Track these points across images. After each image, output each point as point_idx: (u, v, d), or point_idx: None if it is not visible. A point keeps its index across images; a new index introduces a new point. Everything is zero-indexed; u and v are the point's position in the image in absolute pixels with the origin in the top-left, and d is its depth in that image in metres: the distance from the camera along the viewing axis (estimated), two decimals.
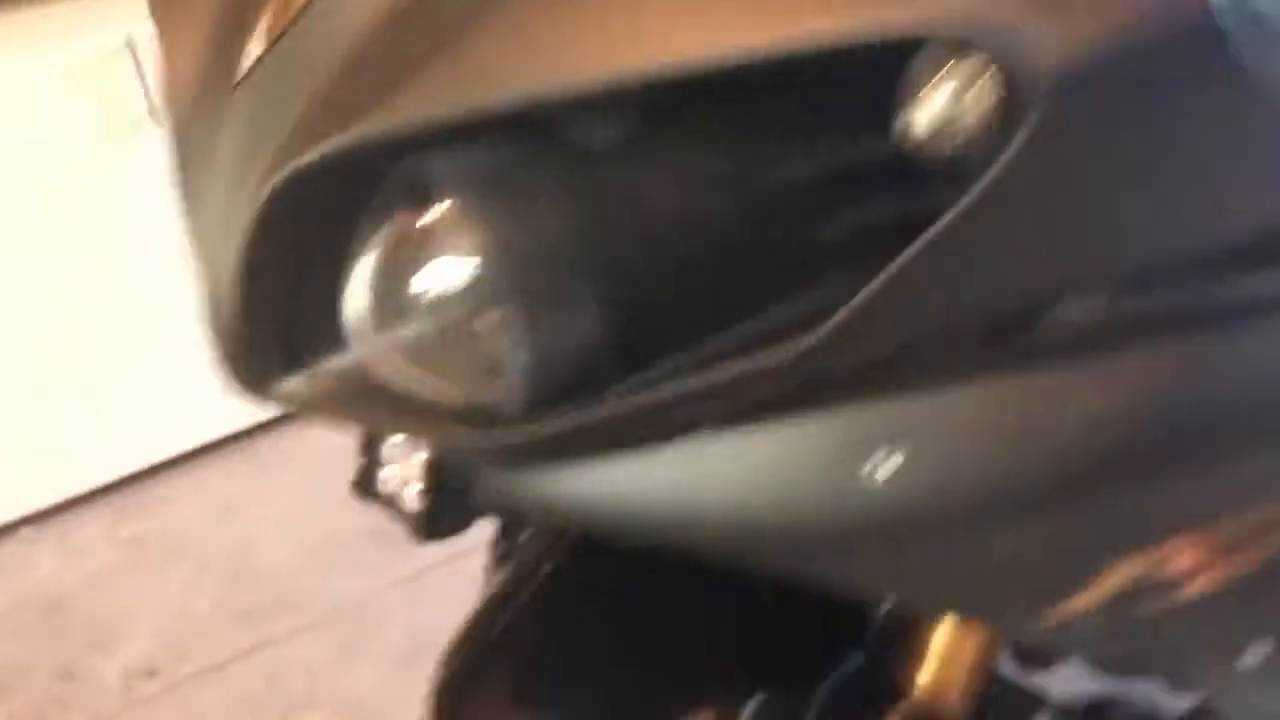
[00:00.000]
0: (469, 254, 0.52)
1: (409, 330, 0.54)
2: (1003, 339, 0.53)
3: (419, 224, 0.53)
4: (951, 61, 0.42)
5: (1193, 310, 0.54)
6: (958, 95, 0.42)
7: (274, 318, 0.59)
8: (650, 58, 0.45)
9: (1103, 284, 0.51)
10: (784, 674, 0.80)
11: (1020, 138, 0.41)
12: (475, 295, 0.52)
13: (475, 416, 0.56)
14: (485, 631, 0.81)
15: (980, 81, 0.41)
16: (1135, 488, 0.57)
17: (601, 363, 0.52)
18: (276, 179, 0.52)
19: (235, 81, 0.58)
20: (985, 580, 0.61)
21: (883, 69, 0.44)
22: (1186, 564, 0.62)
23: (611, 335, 0.51)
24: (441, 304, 0.53)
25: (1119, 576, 0.62)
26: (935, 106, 0.42)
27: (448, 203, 0.52)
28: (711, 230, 0.52)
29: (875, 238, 0.51)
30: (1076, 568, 0.61)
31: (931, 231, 0.44)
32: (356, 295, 0.55)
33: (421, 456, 1.00)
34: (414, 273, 0.53)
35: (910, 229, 0.46)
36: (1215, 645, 0.71)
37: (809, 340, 0.47)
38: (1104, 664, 0.79)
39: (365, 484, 1.02)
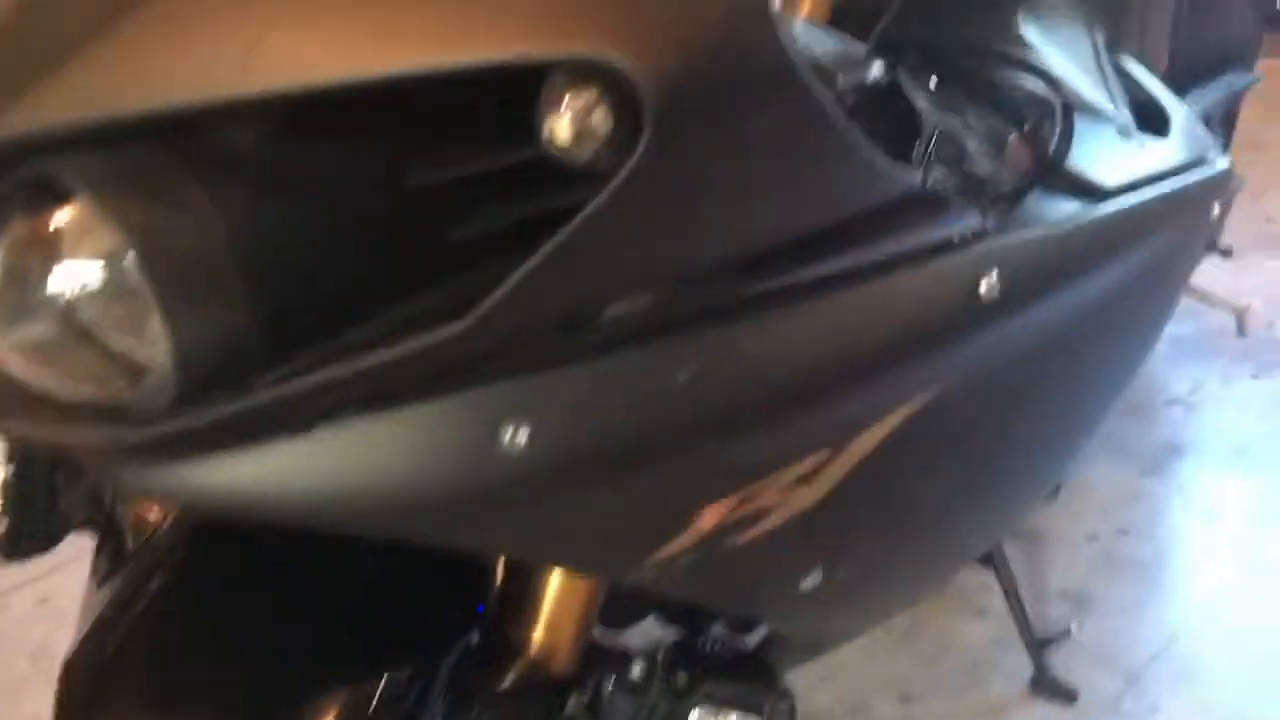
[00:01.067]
0: (100, 253, 0.52)
1: (41, 330, 0.53)
2: (580, 327, 0.61)
3: (49, 224, 0.52)
4: (577, 84, 0.48)
5: (732, 303, 0.64)
6: (584, 115, 0.48)
7: None
8: (281, 78, 0.47)
9: (678, 279, 0.60)
10: (410, 650, 0.84)
11: (636, 154, 0.48)
12: (108, 294, 0.52)
13: (115, 414, 0.56)
14: (102, 646, 0.79)
15: (599, 105, 0.48)
16: (707, 448, 0.67)
17: (245, 355, 0.54)
18: None
19: None
20: (597, 534, 0.70)
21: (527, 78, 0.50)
22: (758, 505, 0.74)
23: (253, 328, 0.53)
24: (76, 304, 0.53)
25: (706, 520, 0.72)
26: (566, 123, 0.49)
27: (77, 202, 0.52)
28: (354, 224, 0.55)
29: (506, 233, 0.57)
30: (672, 516, 0.70)
31: (564, 232, 0.51)
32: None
33: (1, 475, 0.95)
34: (45, 273, 0.52)
35: (539, 225, 0.53)
36: (781, 572, 0.83)
37: (458, 326, 0.52)
38: (692, 600, 0.89)
39: None
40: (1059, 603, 1.79)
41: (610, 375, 0.62)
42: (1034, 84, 0.91)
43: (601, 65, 0.47)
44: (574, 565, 0.75)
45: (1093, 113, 0.93)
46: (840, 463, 0.75)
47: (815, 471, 0.74)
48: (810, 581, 0.86)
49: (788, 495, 0.75)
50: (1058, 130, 0.87)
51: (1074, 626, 1.67)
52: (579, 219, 0.50)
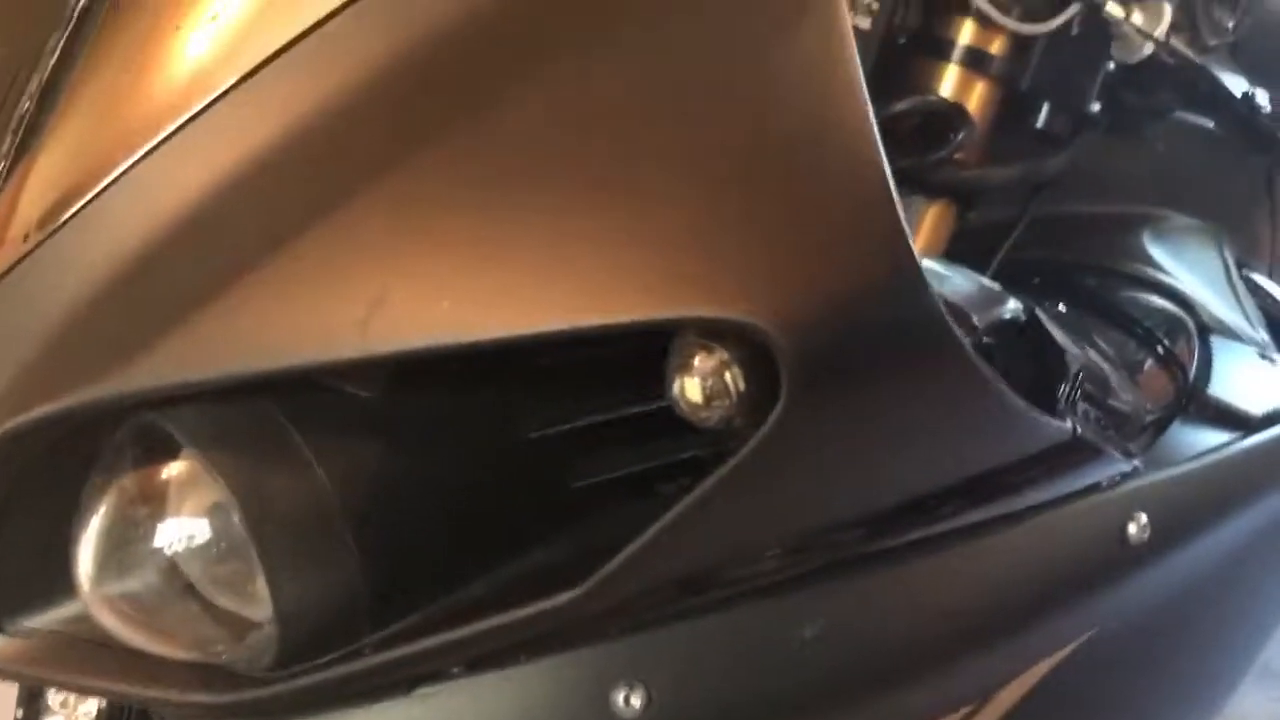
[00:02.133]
0: (205, 509, 0.50)
1: (143, 585, 0.51)
2: (708, 582, 0.57)
3: (155, 478, 0.51)
4: (709, 343, 0.46)
5: (862, 554, 0.60)
6: (716, 374, 0.46)
7: None
8: (404, 340, 0.46)
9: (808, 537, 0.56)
10: None
11: (773, 417, 0.46)
12: (212, 551, 0.50)
13: (211, 674, 0.53)
14: None
15: (732, 365, 0.46)
16: (836, 709, 0.61)
17: (352, 615, 0.51)
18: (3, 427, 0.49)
19: None
20: None
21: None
22: None
23: (363, 589, 0.51)
24: (179, 560, 0.51)
25: None
26: (697, 383, 0.46)
27: (183, 458, 0.50)
28: (468, 478, 0.53)
29: (629, 481, 0.55)
30: None
31: (689, 497, 0.48)
32: (89, 550, 0.51)
33: (90, 708, 0.93)
34: (150, 526, 0.51)
35: (663, 472, 0.50)
36: None
37: (572, 594, 0.49)
38: None
39: None
40: None
41: (730, 632, 0.57)
42: (1165, 305, 0.88)
43: (736, 326, 0.44)
44: None
45: (1230, 334, 0.89)
46: (983, 718, 0.69)
47: None
48: None
49: None
50: (1195, 354, 0.82)
51: None
52: (708, 483, 0.47)
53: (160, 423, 0.49)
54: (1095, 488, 0.65)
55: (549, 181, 0.46)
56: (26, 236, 0.53)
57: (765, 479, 0.48)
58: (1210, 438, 0.76)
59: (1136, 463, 0.65)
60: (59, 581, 0.56)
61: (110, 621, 0.52)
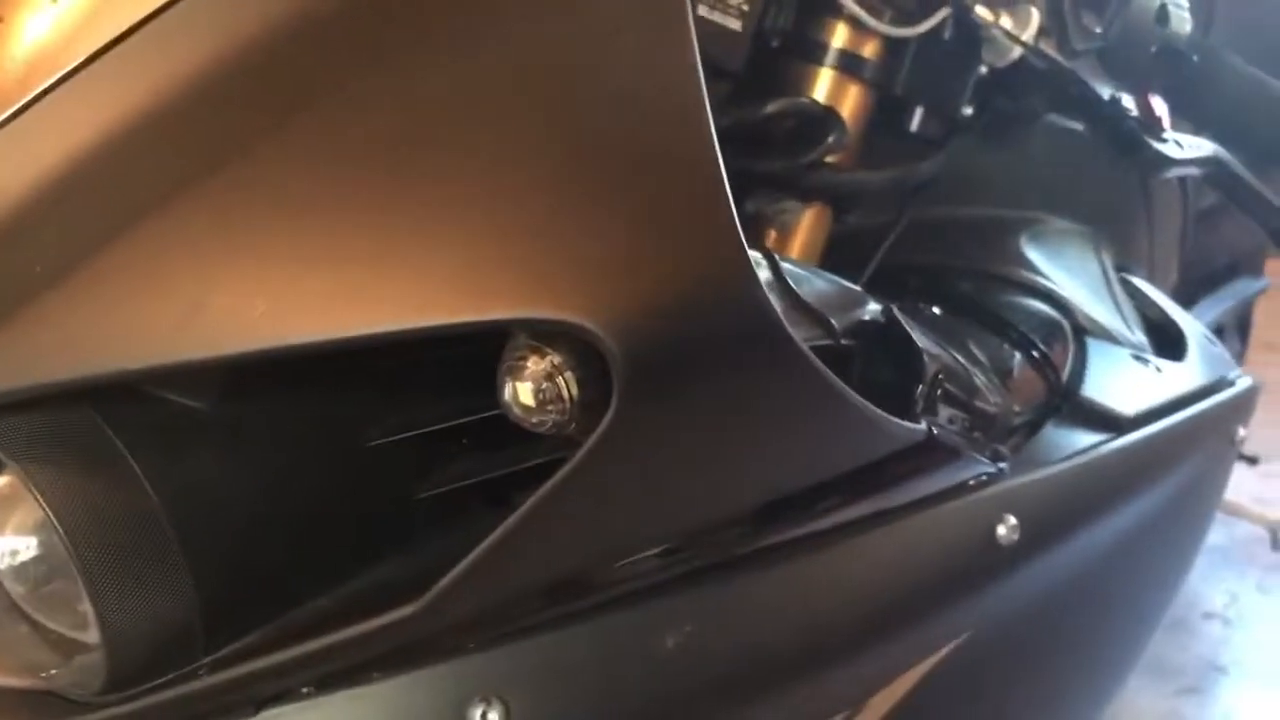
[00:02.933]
0: (25, 528, 0.48)
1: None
2: (568, 592, 0.56)
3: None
4: (540, 347, 0.45)
5: (725, 558, 0.59)
6: (547, 378, 0.45)
7: None
8: (221, 344, 0.44)
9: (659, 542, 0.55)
10: None
11: (605, 421, 0.45)
12: (34, 571, 0.48)
13: (41, 699, 0.51)
14: None
15: (565, 369, 0.45)
16: (704, 718, 0.60)
17: (187, 636, 0.49)
18: None
19: None
20: None
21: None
22: None
23: (196, 608, 0.49)
24: (7, 580, 0.48)
25: None
26: (529, 388, 0.45)
27: (4, 473, 0.48)
28: (306, 490, 0.51)
29: (463, 499, 0.53)
30: None
31: (527, 505, 0.46)
32: None
33: None
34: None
35: (508, 481, 0.48)
36: None
37: (409, 609, 0.47)
38: None
39: None
40: None
41: (590, 642, 0.56)
42: (1041, 307, 0.88)
43: (565, 327, 0.43)
44: None
45: (1105, 336, 0.90)
46: None
47: None
48: None
49: None
50: (1070, 356, 0.83)
51: None
52: (542, 492, 0.45)
53: None
54: (962, 488, 0.65)
55: (373, 184, 0.45)
56: None
57: (603, 484, 0.47)
58: (1083, 439, 0.76)
59: (1002, 464, 0.65)
60: None
61: None
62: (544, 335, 0.45)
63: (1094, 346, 0.86)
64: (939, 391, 0.60)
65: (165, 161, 0.46)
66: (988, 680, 0.74)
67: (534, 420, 0.45)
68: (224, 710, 0.52)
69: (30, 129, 0.47)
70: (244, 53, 0.47)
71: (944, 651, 0.69)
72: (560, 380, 0.44)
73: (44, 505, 0.46)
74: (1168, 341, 0.97)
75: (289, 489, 0.51)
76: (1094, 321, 0.90)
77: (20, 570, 0.48)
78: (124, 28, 0.49)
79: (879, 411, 0.53)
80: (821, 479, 0.55)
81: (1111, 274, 0.98)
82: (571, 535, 0.48)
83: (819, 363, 0.48)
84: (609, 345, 0.43)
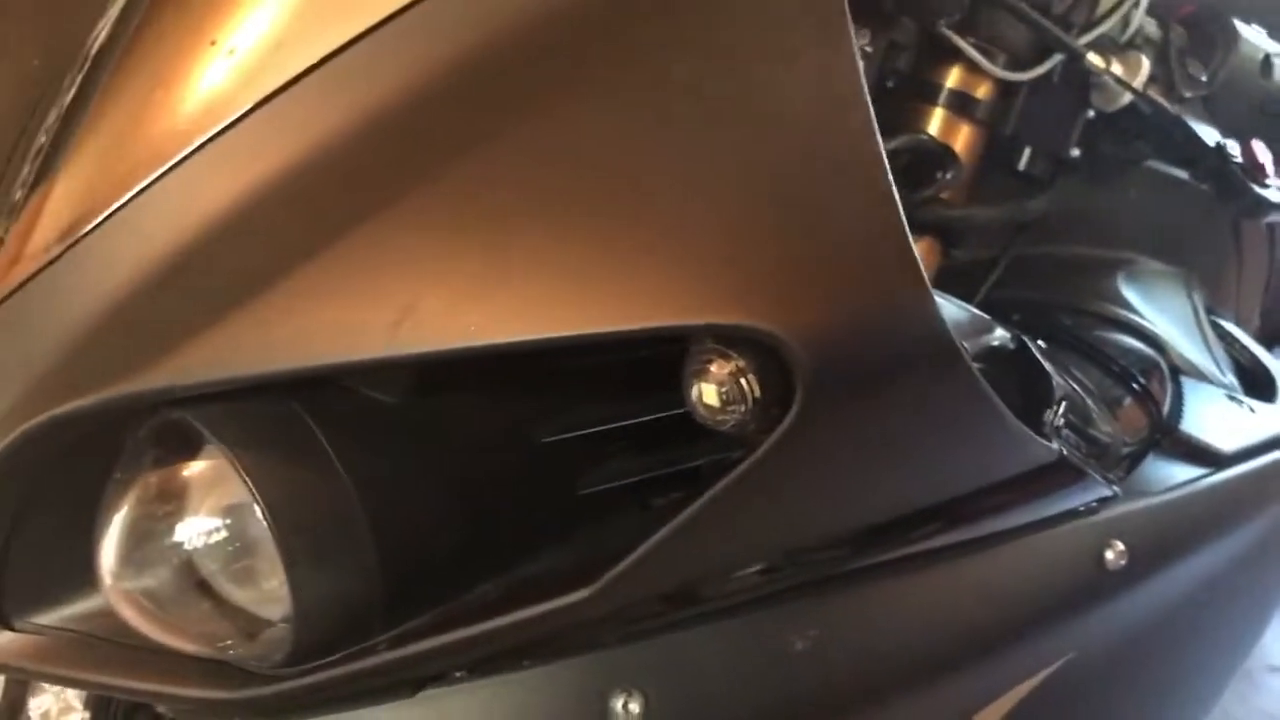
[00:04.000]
0: (227, 507, 0.51)
1: (161, 580, 0.52)
2: (707, 593, 0.58)
3: (179, 474, 0.52)
4: (726, 351, 0.48)
5: (854, 568, 0.62)
6: (732, 381, 0.48)
7: None
8: (432, 343, 0.47)
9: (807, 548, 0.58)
10: None
11: (786, 422, 0.48)
12: (232, 548, 0.52)
13: (222, 671, 0.54)
14: None
15: (748, 372, 0.48)
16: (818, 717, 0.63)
17: (367, 616, 0.53)
18: (28, 425, 0.50)
19: None
20: None
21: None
22: None
23: (378, 589, 0.52)
24: (199, 556, 0.52)
25: None
26: (714, 389, 0.48)
27: (208, 455, 0.52)
28: (480, 482, 0.54)
29: (620, 499, 0.56)
30: None
31: (698, 503, 0.49)
32: (111, 544, 0.52)
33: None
34: (171, 522, 0.52)
35: (669, 480, 0.51)
36: None
37: (580, 595, 0.50)
38: None
39: None
40: None
41: (725, 642, 0.59)
42: (1138, 345, 0.91)
43: (753, 333, 0.46)
44: None
45: (1199, 375, 0.92)
46: None
47: None
48: None
49: None
50: (1169, 392, 0.85)
51: None
52: (720, 485, 0.49)
53: (187, 420, 0.51)
54: (1075, 513, 0.67)
55: (578, 197, 0.48)
56: (48, 249, 0.55)
57: (774, 485, 0.50)
58: (1183, 472, 0.78)
59: (1116, 489, 0.68)
60: (71, 580, 0.58)
61: (129, 615, 0.53)
62: (730, 340, 0.48)
63: (1189, 385, 0.89)
64: (1063, 418, 0.62)
65: (379, 173, 0.49)
66: (1088, 702, 0.76)
67: (717, 419, 0.48)
68: (388, 689, 0.56)
69: (252, 136, 0.51)
70: (439, 75, 0.51)
71: (1048, 671, 0.71)
72: (744, 382, 0.48)
73: (250, 486, 0.49)
74: (1257, 384, 0.99)
75: (466, 480, 0.54)
76: (1187, 361, 0.93)
77: (217, 547, 0.52)
78: (341, 41, 0.52)
79: (1026, 429, 0.56)
80: (959, 493, 0.58)
81: (1203, 315, 1.00)
82: (742, 530, 0.51)
83: (982, 379, 0.51)
84: (795, 350, 0.46)
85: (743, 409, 0.48)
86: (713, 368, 0.48)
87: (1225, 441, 0.83)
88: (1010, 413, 0.54)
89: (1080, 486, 0.65)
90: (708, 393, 0.48)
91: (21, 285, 0.54)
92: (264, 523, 0.49)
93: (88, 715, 0.90)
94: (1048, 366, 0.63)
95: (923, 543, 0.61)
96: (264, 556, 0.51)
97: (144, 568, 0.53)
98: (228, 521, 0.51)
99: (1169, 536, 0.74)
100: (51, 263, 0.53)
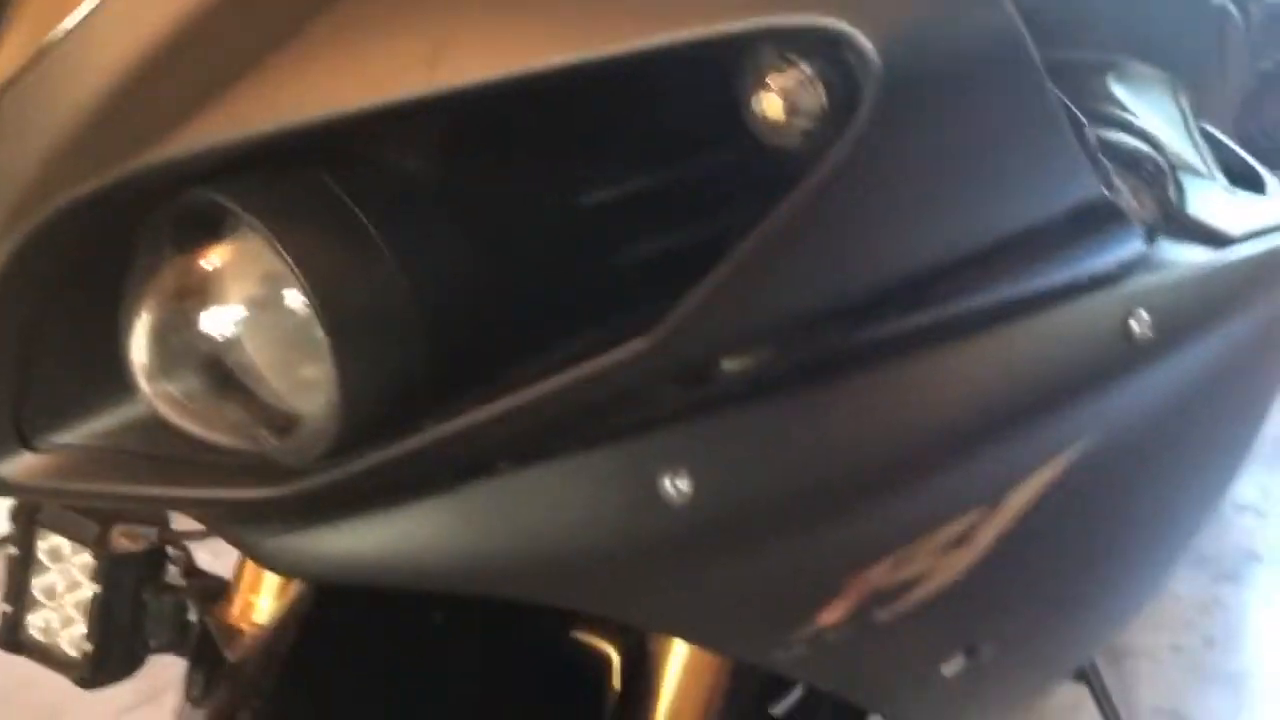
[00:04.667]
0: (265, 290, 0.49)
1: (197, 375, 0.50)
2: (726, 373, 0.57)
3: (209, 257, 0.49)
4: (788, 60, 0.46)
5: (886, 343, 0.60)
6: (798, 89, 0.46)
7: (6, 386, 0.52)
8: (472, 73, 0.44)
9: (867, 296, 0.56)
10: None
11: (856, 124, 0.45)
12: (272, 333, 0.49)
13: (258, 472, 0.52)
14: None
15: (814, 79, 0.45)
16: (861, 504, 0.62)
17: (411, 397, 0.51)
18: (38, 219, 0.47)
19: None
20: (749, 602, 0.65)
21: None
22: (910, 572, 0.69)
23: (424, 370, 0.50)
24: (234, 345, 0.49)
25: (858, 588, 0.67)
26: (777, 98, 0.46)
27: (240, 235, 0.49)
28: (520, 252, 0.52)
29: (674, 264, 0.54)
30: (824, 582, 0.65)
31: (764, 225, 0.47)
32: (141, 337, 0.50)
33: (84, 595, 0.91)
34: (201, 311, 0.49)
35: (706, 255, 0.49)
36: (925, 653, 0.78)
37: (640, 344, 0.48)
38: (825, 687, 0.83)
39: (11, 633, 0.91)
40: None
41: (768, 422, 0.58)
42: (1135, 142, 0.90)
43: (822, 34, 0.44)
44: (721, 640, 0.70)
45: (1194, 171, 0.92)
46: (995, 522, 0.70)
47: (969, 533, 0.70)
48: (953, 666, 0.81)
49: (941, 560, 0.70)
50: (1170, 181, 0.85)
51: None
52: (779, 212, 0.46)
53: (211, 200, 0.48)
54: (1102, 280, 0.66)
55: None
56: (34, 38, 0.51)
57: (836, 210, 0.48)
58: (1195, 251, 0.78)
59: (1147, 243, 0.67)
60: (89, 395, 0.55)
61: (167, 411, 0.51)
62: (789, 46, 0.45)
63: (1187, 177, 0.88)
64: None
65: None
66: (1113, 484, 0.76)
67: (782, 134, 0.46)
68: (427, 483, 0.54)
69: None
70: None
71: (1079, 449, 0.71)
72: (812, 88, 0.45)
73: (289, 262, 0.46)
74: (1246, 183, 0.99)
75: (505, 249, 0.52)
76: (1181, 158, 0.92)
77: (254, 332, 0.49)
78: None
79: (1082, 152, 0.54)
80: (1011, 230, 0.56)
81: (1191, 117, 1.00)
82: (803, 266, 0.50)
83: (1053, 87, 0.49)
84: (866, 50, 0.44)
85: (810, 120, 0.46)
86: (777, 77, 0.46)
87: (1231, 225, 0.83)
88: (1070, 131, 0.53)
89: (1115, 239, 0.64)
90: (770, 104, 0.46)
91: (14, 78, 0.51)
92: (305, 300, 0.47)
93: (98, 588, 0.88)
94: (1077, 111, 0.61)
95: (960, 302, 0.60)
96: (307, 340, 0.48)
97: (177, 361, 0.50)
98: (264, 303, 0.49)
99: (1189, 310, 0.74)
100: (44, 50, 0.50)
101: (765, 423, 0.58)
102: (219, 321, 0.49)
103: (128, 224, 0.51)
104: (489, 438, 0.52)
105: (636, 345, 0.48)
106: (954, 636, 0.78)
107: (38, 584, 0.90)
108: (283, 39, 0.46)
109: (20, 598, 0.90)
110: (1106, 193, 0.59)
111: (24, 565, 0.89)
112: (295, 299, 0.48)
